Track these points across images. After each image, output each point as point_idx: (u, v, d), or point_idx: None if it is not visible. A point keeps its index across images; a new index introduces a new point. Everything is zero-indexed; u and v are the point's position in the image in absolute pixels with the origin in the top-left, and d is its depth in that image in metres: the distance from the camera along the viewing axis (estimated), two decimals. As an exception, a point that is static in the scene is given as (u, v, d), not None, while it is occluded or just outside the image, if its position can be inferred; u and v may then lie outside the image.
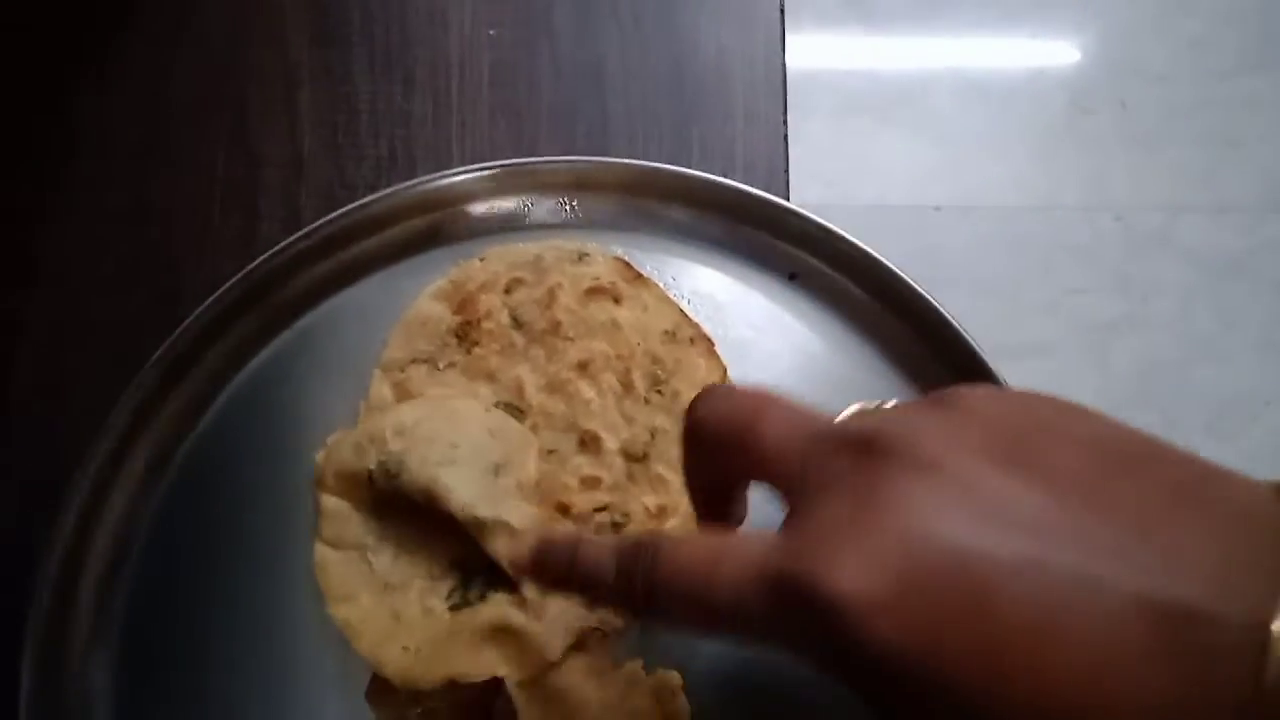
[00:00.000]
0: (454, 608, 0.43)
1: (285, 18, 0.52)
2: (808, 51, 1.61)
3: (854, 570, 0.26)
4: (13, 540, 0.44)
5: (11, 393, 0.47)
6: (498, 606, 0.42)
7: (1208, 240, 1.55)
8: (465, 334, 0.48)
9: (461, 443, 0.44)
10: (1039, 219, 1.55)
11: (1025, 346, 1.46)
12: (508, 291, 0.48)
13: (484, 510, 0.42)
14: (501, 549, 0.42)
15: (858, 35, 1.62)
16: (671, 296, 0.49)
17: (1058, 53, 1.64)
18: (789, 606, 0.27)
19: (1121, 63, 1.64)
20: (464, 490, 0.42)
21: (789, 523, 0.30)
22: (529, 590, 0.42)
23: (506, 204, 0.49)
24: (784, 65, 0.52)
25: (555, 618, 0.42)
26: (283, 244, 0.46)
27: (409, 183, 0.48)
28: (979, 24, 1.63)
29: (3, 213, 0.49)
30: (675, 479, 0.46)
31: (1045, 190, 1.54)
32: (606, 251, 0.49)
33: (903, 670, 0.25)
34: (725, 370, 0.48)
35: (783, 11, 0.53)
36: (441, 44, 0.52)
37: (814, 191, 1.43)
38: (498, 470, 0.45)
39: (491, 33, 0.52)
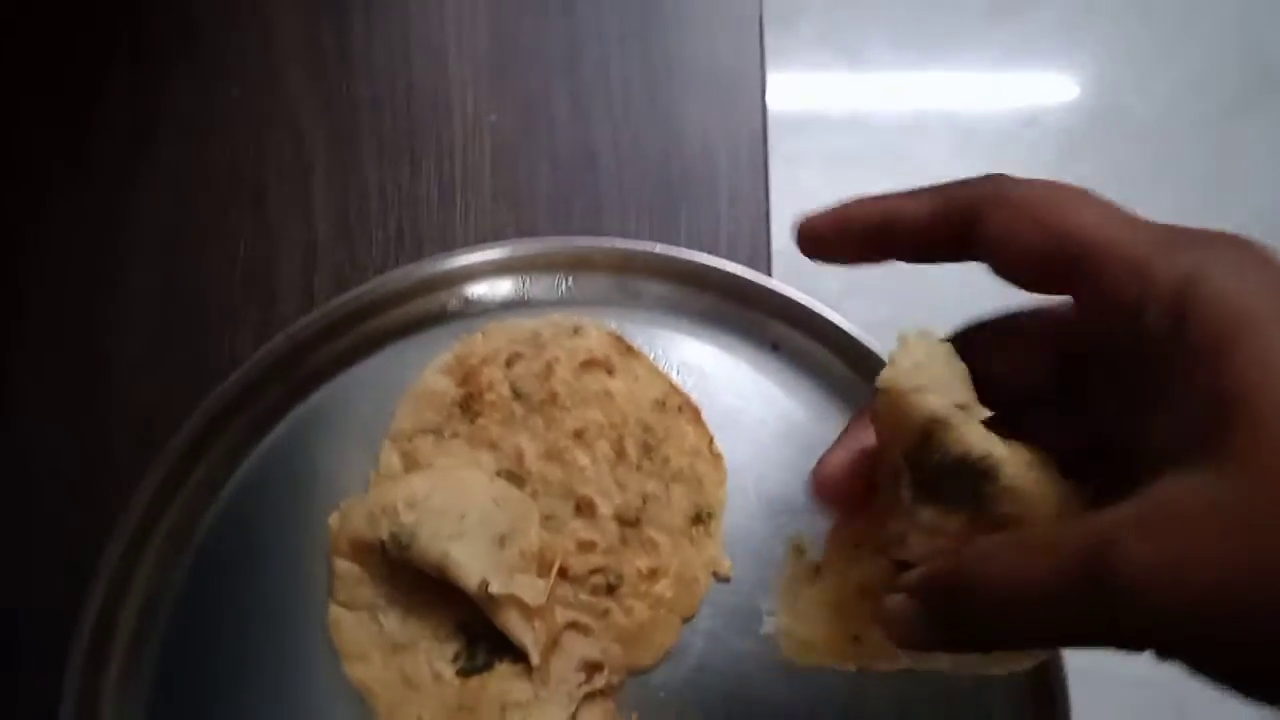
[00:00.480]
0: (461, 672, 0.46)
1: (300, 110, 0.56)
2: (796, 95, 1.65)
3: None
4: (47, 609, 0.47)
5: (45, 465, 0.51)
6: (505, 680, 0.45)
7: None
8: (468, 405, 0.51)
9: (469, 514, 0.48)
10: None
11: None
12: (508, 365, 0.52)
13: (496, 586, 0.45)
14: (512, 622, 0.45)
15: (845, 76, 1.66)
16: (661, 368, 0.52)
17: (1048, 101, 1.68)
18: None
19: (1110, 110, 1.68)
20: (474, 564, 0.45)
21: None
22: (534, 658, 0.45)
23: (506, 283, 0.53)
24: (765, 149, 0.56)
25: (559, 685, 0.46)
26: (298, 324, 0.50)
27: (415, 265, 0.51)
28: (970, 67, 1.68)
29: (41, 293, 0.53)
30: (665, 541, 0.49)
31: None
32: (600, 326, 0.52)
33: None
34: (712, 438, 0.51)
35: (764, 99, 0.57)
36: (445, 131, 0.55)
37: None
38: (503, 541, 0.48)
39: (492, 119, 0.56)
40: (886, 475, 0.32)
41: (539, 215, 0.54)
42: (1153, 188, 1.61)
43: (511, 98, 0.56)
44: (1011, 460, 0.29)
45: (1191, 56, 1.70)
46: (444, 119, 0.56)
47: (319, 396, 0.52)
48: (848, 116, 1.65)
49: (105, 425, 0.51)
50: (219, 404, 0.50)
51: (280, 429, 0.51)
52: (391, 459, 0.51)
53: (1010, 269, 0.29)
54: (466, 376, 0.51)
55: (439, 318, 0.52)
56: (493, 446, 0.51)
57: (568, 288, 0.53)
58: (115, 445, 0.51)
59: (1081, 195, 0.28)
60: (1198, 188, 1.64)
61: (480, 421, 0.51)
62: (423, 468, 0.50)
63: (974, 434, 0.29)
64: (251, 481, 0.50)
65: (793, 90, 1.66)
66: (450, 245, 0.54)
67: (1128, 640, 0.24)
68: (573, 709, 0.45)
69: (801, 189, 1.56)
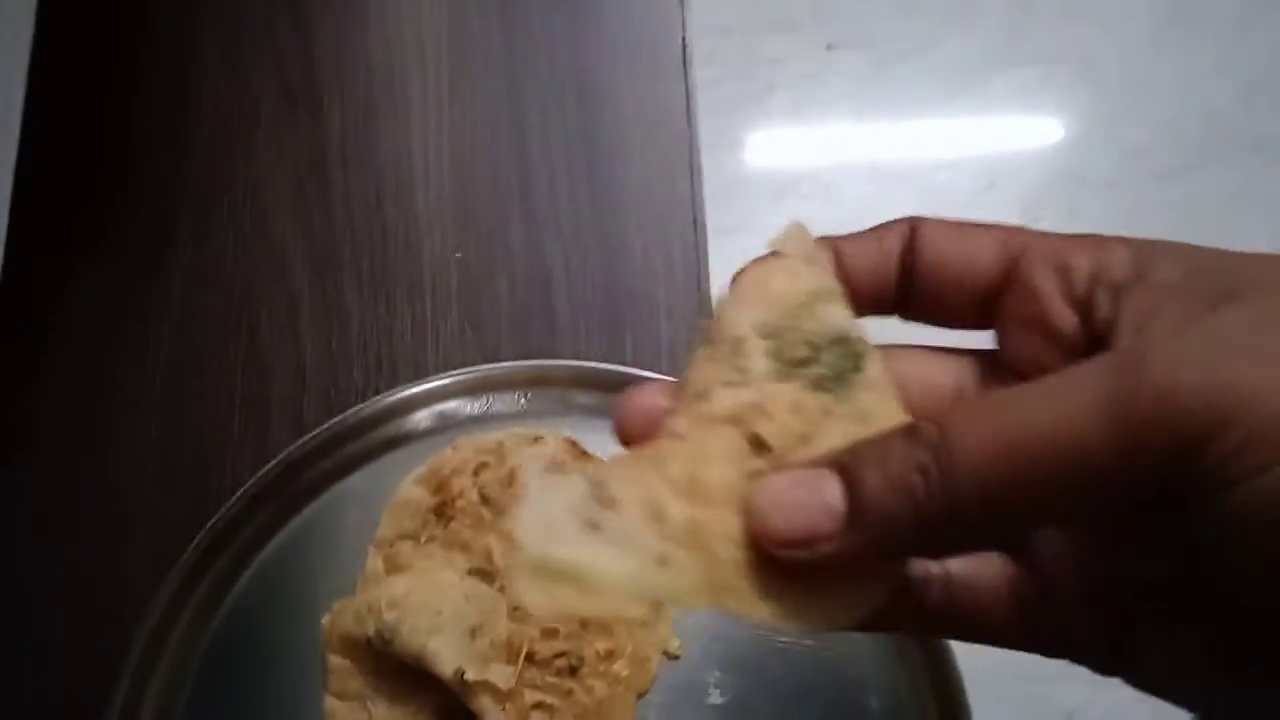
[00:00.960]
0: (439, 755, 0.53)
1: (288, 253, 0.63)
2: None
3: None
4: (75, 707, 0.54)
5: (70, 579, 0.58)
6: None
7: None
8: (442, 512, 0.58)
9: (444, 610, 0.54)
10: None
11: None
12: (476, 474, 0.58)
13: (470, 674, 0.51)
14: (485, 706, 0.52)
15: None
16: (612, 470, 0.59)
17: (1009, 165, 1.76)
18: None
19: (1069, 171, 1.75)
20: (450, 655, 0.52)
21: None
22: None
23: (474, 401, 0.60)
24: (699, 263, 0.63)
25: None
26: (290, 449, 0.57)
27: (391, 391, 0.59)
28: (932, 134, 1.76)
29: (59, 421, 0.60)
30: (620, 626, 0.56)
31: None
32: (557, 435, 0.59)
33: None
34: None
35: (698, 220, 0.64)
36: (416, 267, 0.63)
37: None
38: (475, 633, 0.54)
39: (458, 255, 0.63)
40: (723, 353, 0.28)
41: (501, 337, 0.62)
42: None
43: (473, 231, 0.64)
44: (877, 355, 0.28)
45: (1144, 121, 1.79)
46: (415, 257, 0.63)
47: (311, 510, 0.58)
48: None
49: (120, 545, 0.58)
50: (223, 523, 0.56)
51: (278, 539, 0.58)
52: (376, 563, 0.58)
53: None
54: (439, 486, 0.58)
55: (414, 435, 0.59)
56: (465, 548, 0.57)
57: (526, 403, 0.60)
58: (137, 559, 0.58)
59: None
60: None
61: (453, 525, 0.58)
62: (404, 570, 0.57)
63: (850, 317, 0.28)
64: (254, 588, 0.57)
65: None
66: (422, 369, 0.61)
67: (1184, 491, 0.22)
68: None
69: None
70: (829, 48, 1.84)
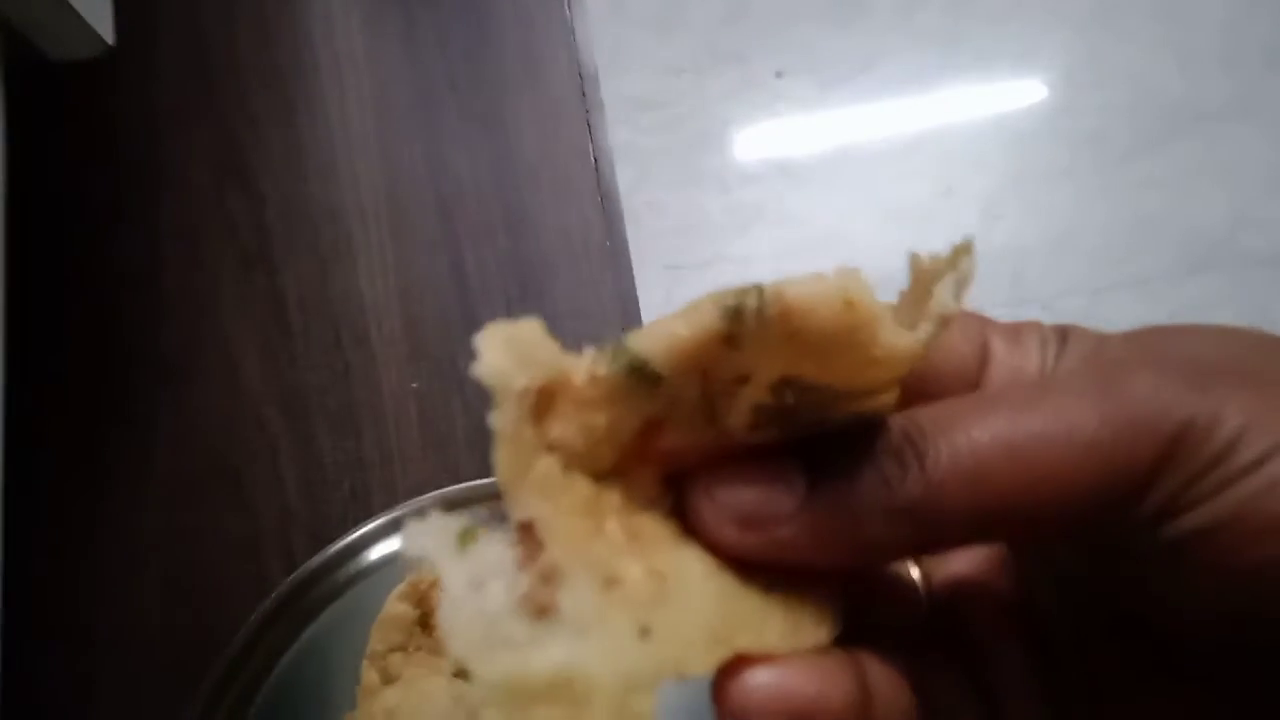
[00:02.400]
0: None
1: (260, 400, 0.70)
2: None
3: None
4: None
5: (94, 703, 0.65)
6: None
7: (1132, 312, 1.70)
8: (425, 622, 0.64)
9: (434, 714, 0.61)
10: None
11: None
12: (452, 585, 0.65)
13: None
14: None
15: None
16: (573, 567, 0.65)
17: (964, 169, 1.81)
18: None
19: (1025, 166, 1.81)
20: (436, 758, 0.58)
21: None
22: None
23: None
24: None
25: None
26: (283, 584, 0.64)
27: (367, 521, 0.65)
28: (886, 149, 1.82)
29: (71, 583, 0.67)
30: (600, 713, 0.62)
31: (969, 294, 1.69)
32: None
33: None
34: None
35: (629, 326, 0.70)
36: (377, 402, 0.70)
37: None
38: (460, 731, 0.61)
39: (414, 385, 0.70)
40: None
41: (460, 457, 0.68)
42: (1075, 234, 1.74)
43: (427, 362, 0.70)
44: None
45: (1093, 109, 1.84)
46: (375, 392, 0.70)
47: (309, 634, 0.65)
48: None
49: (136, 692, 0.65)
50: (229, 658, 0.63)
51: (282, 665, 0.65)
52: (370, 676, 0.64)
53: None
54: (420, 599, 0.65)
55: (392, 557, 0.66)
56: (447, 652, 0.64)
57: (489, 515, 0.67)
58: (146, 707, 0.64)
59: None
60: (1117, 226, 1.77)
61: (436, 634, 0.64)
62: (396, 679, 0.63)
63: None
64: (264, 713, 0.64)
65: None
66: (394, 495, 0.67)
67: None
68: None
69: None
70: (778, 75, 1.90)
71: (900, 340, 0.23)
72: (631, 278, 0.73)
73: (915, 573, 0.31)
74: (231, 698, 0.63)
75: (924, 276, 0.24)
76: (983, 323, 0.29)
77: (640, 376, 0.23)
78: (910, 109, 1.85)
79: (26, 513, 0.65)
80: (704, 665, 0.23)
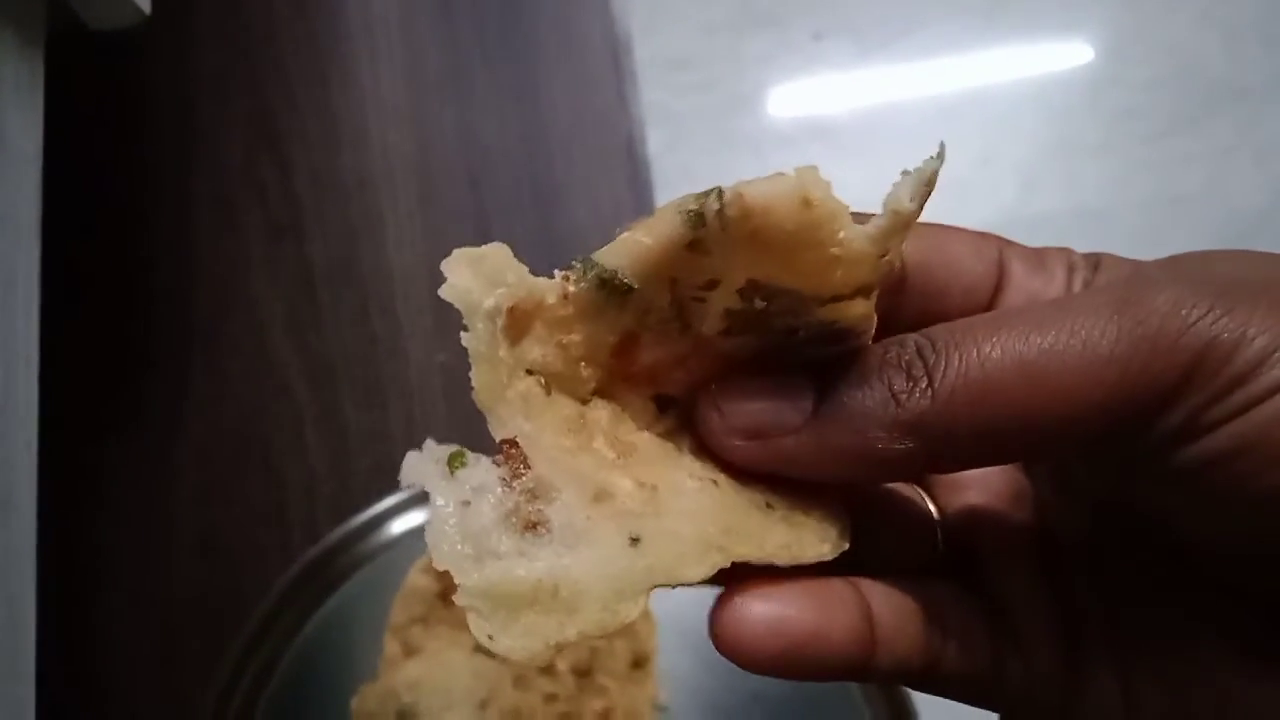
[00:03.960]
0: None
1: (289, 373, 0.70)
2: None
3: None
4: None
5: (121, 684, 0.66)
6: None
7: (1168, 289, 1.67)
8: (446, 595, 0.65)
9: (455, 688, 0.61)
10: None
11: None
12: (474, 559, 0.65)
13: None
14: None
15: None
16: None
17: (1002, 139, 1.79)
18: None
19: (1059, 141, 1.78)
20: (460, 729, 0.59)
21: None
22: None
23: (465, 493, 0.66)
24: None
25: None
26: (307, 554, 0.64)
27: (391, 494, 0.66)
28: (922, 116, 1.79)
29: (108, 537, 0.68)
30: (613, 685, 0.63)
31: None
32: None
33: None
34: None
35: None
36: (404, 374, 0.70)
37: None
38: (484, 705, 0.61)
39: (441, 359, 0.70)
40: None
41: (485, 431, 0.68)
42: (1109, 212, 1.71)
43: (453, 335, 0.70)
44: None
45: (1128, 84, 1.81)
46: (402, 365, 0.70)
47: (331, 604, 0.66)
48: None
49: (169, 650, 0.66)
50: (256, 623, 0.64)
51: (306, 632, 0.65)
52: (393, 647, 0.65)
53: None
54: (442, 572, 0.65)
55: (416, 530, 0.66)
56: (468, 626, 0.64)
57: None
58: (186, 653, 0.66)
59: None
60: (1152, 205, 1.74)
61: (456, 607, 0.65)
62: (417, 651, 0.64)
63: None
64: (288, 679, 0.65)
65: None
66: (418, 467, 0.67)
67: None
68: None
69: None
70: (816, 38, 1.88)
71: (856, 235, 0.22)
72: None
73: (931, 506, 0.31)
74: (255, 666, 0.64)
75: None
76: (1002, 244, 0.28)
77: (611, 289, 0.23)
78: (949, 76, 1.82)
79: (61, 471, 0.66)
80: (698, 573, 0.23)
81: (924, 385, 0.22)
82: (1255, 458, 0.21)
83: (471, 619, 0.22)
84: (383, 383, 0.70)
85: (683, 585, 0.23)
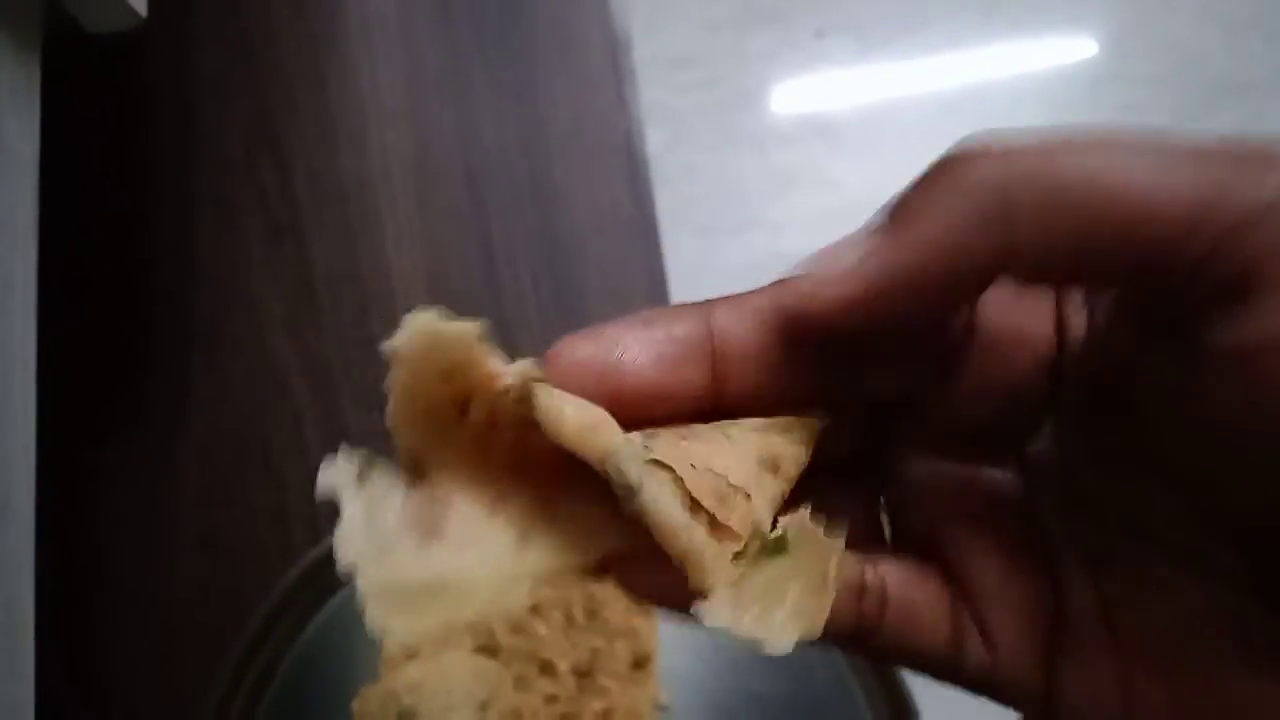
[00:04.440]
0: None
1: (289, 374, 0.70)
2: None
3: None
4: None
5: (122, 686, 0.66)
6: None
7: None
8: (448, 597, 0.65)
9: (455, 690, 0.61)
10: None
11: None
12: (474, 560, 0.65)
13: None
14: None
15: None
16: (595, 545, 0.66)
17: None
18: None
19: (1065, 136, 1.78)
20: (460, 731, 0.59)
21: None
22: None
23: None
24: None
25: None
26: (308, 556, 0.64)
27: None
28: (926, 115, 1.79)
29: (107, 539, 0.68)
30: (614, 686, 0.63)
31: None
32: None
33: None
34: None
35: (657, 302, 0.70)
36: (404, 375, 0.69)
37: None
38: (484, 706, 0.61)
39: (440, 359, 0.70)
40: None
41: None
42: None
43: (453, 336, 0.70)
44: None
45: (1133, 78, 1.80)
46: (401, 365, 0.70)
47: (332, 606, 0.66)
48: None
49: (169, 651, 0.66)
50: (257, 624, 0.64)
51: (307, 633, 0.65)
52: (393, 648, 0.65)
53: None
54: (443, 574, 0.65)
55: (416, 531, 0.66)
56: (468, 627, 0.65)
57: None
58: (187, 656, 0.66)
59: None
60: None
61: (458, 609, 0.65)
62: (417, 653, 0.64)
63: None
64: (290, 680, 0.65)
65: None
66: (418, 468, 0.67)
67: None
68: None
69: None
70: (819, 35, 1.87)
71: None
72: (660, 253, 0.72)
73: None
74: (257, 668, 0.64)
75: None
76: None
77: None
78: (951, 72, 1.82)
79: (61, 473, 0.66)
80: (580, 571, 0.24)
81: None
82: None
83: (369, 608, 0.23)
84: (382, 383, 0.69)
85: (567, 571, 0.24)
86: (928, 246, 0.21)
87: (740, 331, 0.24)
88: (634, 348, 0.23)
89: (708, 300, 0.25)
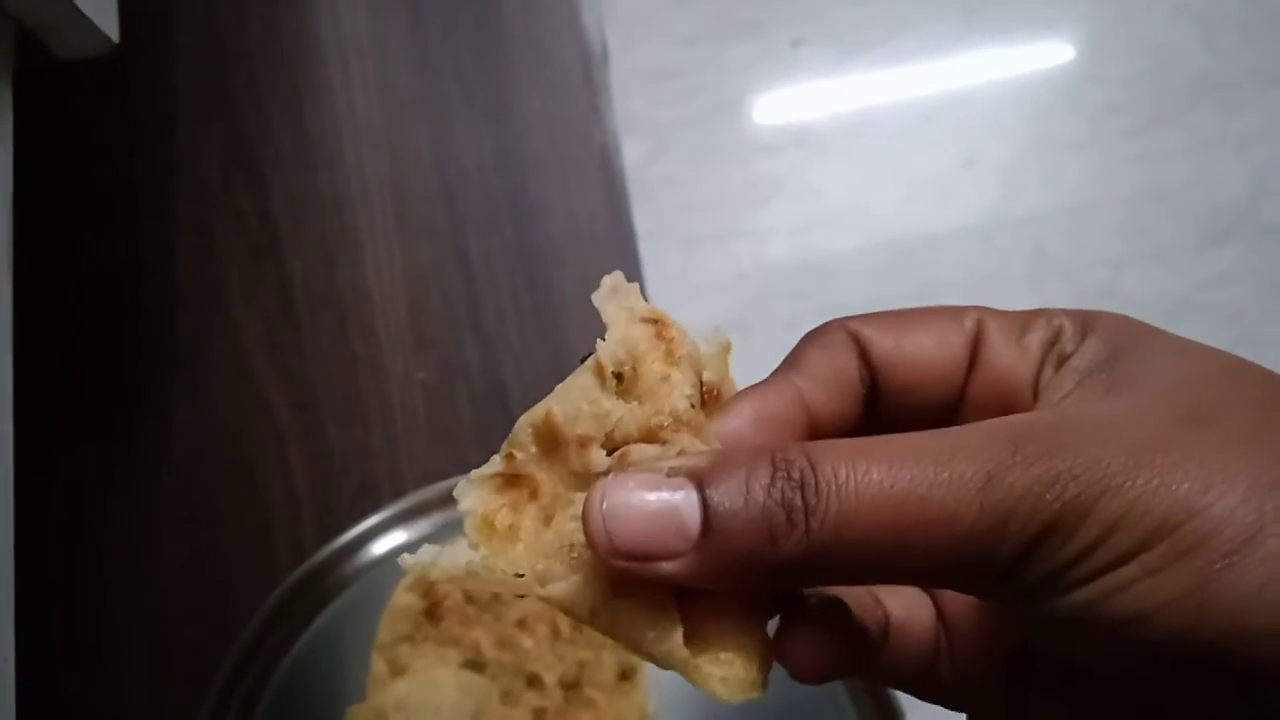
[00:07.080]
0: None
1: (268, 391, 0.70)
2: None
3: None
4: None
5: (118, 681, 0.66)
6: None
7: (1153, 285, 1.68)
8: (432, 613, 0.65)
9: (443, 707, 0.62)
10: (989, 290, 1.69)
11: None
12: (459, 575, 0.65)
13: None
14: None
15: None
16: (579, 557, 0.66)
17: (984, 141, 1.79)
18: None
19: (1041, 140, 1.79)
20: (446, 748, 0.59)
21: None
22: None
23: (449, 510, 0.66)
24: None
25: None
26: (291, 576, 0.64)
27: (375, 512, 0.66)
28: (906, 121, 1.80)
29: (108, 560, 0.68)
30: (601, 697, 0.63)
31: (990, 266, 1.69)
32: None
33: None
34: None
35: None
36: (384, 392, 0.70)
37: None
38: (471, 720, 0.62)
39: (420, 377, 0.70)
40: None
41: (466, 447, 0.68)
42: (1094, 208, 1.72)
43: (432, 353, 0.71)
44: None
45: (1108, 79, 1.81)
46: (382, 382, 0.70)
47: (318, 624, 0.66)
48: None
49: (158, 671, 0.66)
50: (244, 644, 0.64)
51: (294, 653, 0.65)
52: (380, 666, 0.65)
53: None
54: (427, 590, 0.65)
55: (400, 549, 0.66)
56: (455, 643, 0.64)
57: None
58: (171, 683, 0.66)
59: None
60: (1136, 199, 1.75)
61: (443, 624, 0.65)
62: (405, 670, 0.64)
63: None
64: (277, 700, 0.65)
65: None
66: (400, 485, 0.68)
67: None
68: None
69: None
70: (796, 45, 1.88)
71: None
72: (639, 264, 0.73)
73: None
74: (244, 688, 0.64)
75: None
76: (982, 315, 0.29)
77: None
78: (930, 79, 1.83)
79: (44, 498, 0.66)
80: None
81: (801, 530, 0.23)
82: (1101, 624, 0.23)
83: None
84: (364, 401, 0.70)
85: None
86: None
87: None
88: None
89: None
